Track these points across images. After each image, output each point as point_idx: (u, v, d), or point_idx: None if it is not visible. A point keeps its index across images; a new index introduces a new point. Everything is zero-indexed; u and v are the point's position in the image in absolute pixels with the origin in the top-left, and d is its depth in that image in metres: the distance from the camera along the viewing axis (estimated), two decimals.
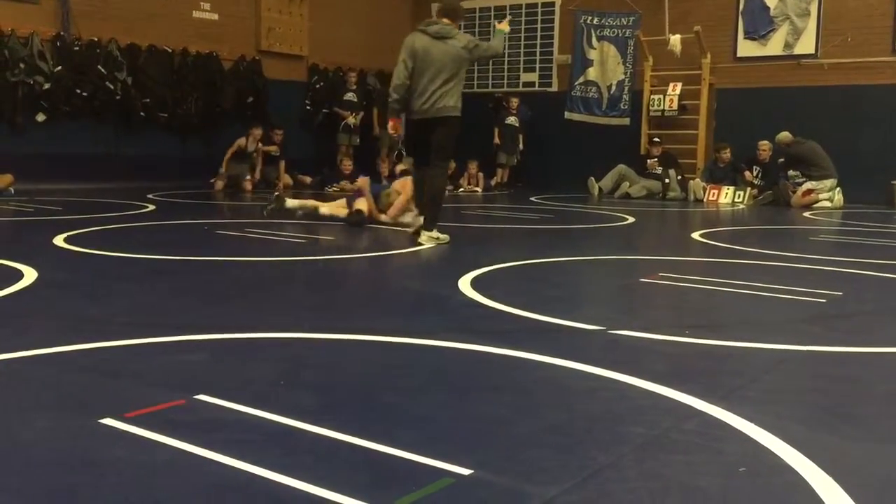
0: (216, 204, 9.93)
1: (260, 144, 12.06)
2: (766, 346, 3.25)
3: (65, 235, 6.03)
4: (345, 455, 2.04)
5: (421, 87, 6.05)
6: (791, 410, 2.51)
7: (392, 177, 12.88)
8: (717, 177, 11.94)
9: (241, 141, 11.85)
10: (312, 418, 2.26)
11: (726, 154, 11.92)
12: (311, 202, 7.78)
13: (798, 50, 12.11)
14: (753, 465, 2.04)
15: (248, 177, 11.89)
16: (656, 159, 12.32)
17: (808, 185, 11.06)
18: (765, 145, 11.85)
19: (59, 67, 10.88)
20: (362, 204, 7.41)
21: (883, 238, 7.64)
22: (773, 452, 2.11)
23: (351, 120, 13.28)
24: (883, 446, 2.22)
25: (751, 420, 2.34)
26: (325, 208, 7.61)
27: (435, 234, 6.13)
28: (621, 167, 12.47)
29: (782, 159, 11.38)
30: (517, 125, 13.53)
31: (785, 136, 11.35)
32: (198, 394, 2.45)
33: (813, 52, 12.00)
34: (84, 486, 1.86)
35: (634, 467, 2.02)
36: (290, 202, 7.60)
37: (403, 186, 7.36)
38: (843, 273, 5.31)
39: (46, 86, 10.77)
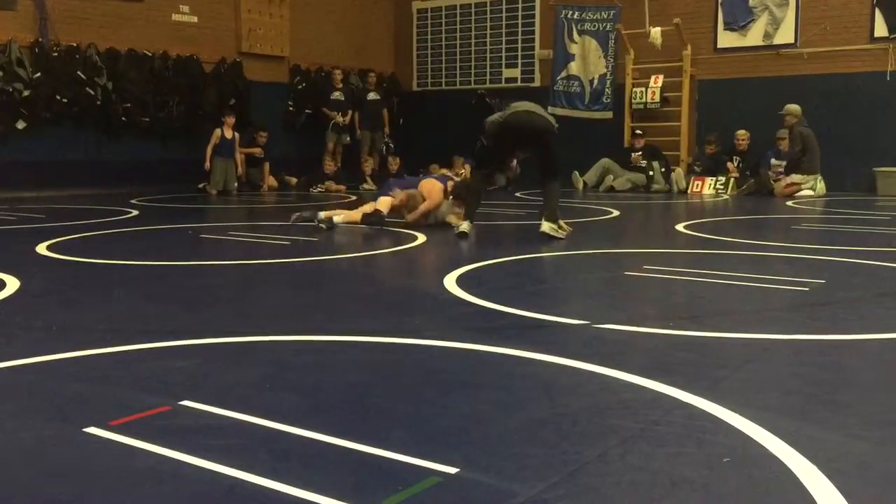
0: (200, 208, 9.89)
1: (236, 134, 12.00)
2: (750, 336, 3.27)
3: (48, 243, 6.00)
4: (331, 457, 2.04)
5: None
6: (775, 400, 2.53)
7: (378, 176, 12.90)
8: (708, 167, 12.00)
9: (218, 131, 11.81)
10: (298, 421, 2.26)
11: (710, 148, 12.05)
12: (341, 213, 7.43)
13: (777, 40, 12.18)
14: (738, 455, 2.06)
15: (236, 183, 11.90)
16: (640, 153, 12.35)
17: (795, 178, 11.10)
18: (742, 135, 11.91)
19: (39, 74, 10.80)
20: (383, 204, 7.31)
21: (865, 225, 7.69)
22: (757, 442, 2.13)
23: (340, 119, 13.25)
24: (866, 434, 2.23)
25: (735, 410, 2.35)
26: (356, 214, 7.35)
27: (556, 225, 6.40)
28: (605, 161, 12.50)
29: (799, 154, 11.13)
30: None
31: (796, 108, 11.20)
32: (182, 399, 2.44)
33: (792, 41, 12.06)
34: (68, 496, 1.85)
35: (620, 460, 2.03)
36: (322, 214, 7.17)
37: (430, 192, 7.22)
38: (826, 261, 5.34)
39: (26, 93, 10.70)
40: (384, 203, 7.30)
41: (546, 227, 6.27)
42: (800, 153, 11.09)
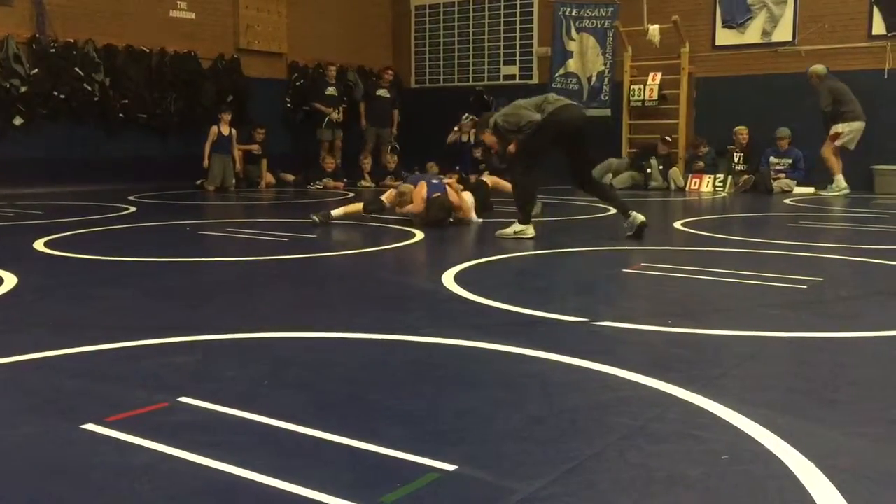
0: (198, 204, 9.88)
1: (233, 131, 11.98)
2: (748, 334, 3.28)
3: (45, 239, 5.99)
4: (330, 454, 2.04)
5: None
6: (772, 397, 2.53)
7: (378, 173, 12.89)
8: (714, 162, 12.05)
9: (215, 128, 11.80)
10: (297, 418, 2.26)
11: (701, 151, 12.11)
12: (353, 206, 7.46)
13: (776, 37, 12.17)
14: (736, 452, 2.06)
15: (234, 180, 11.89)
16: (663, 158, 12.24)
17: (839, 127, 10.94)
18: (742, 130, 11.92)
19: (36, 70, 10.77)
20: (385, 195, 7.42)
21: (863, 223, 7.70)
22: (754, 439, 2.13)
23: (334, 115, 13.23)
24: (863, 431, 2.24)
25: (733, 408, 2.35)
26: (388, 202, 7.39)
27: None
28: (612, 161, 12.54)
29: (828, 108, 10.90)
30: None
31: (821, 67, 11.06)
32: (180, 396, 2.44)
33: (790, 39, 12.06)
34: (66, 492, 1.85)
35: (618, 458, 2.03)
36: (336, 212, 7.22)
37: (415, 196, 7.14)
38: (824, 259, 5.35)
39: (23, 89, 10.67)
40: (388, 195, 7.39)
41: (640, 217, 6.14)
42: (830, 105, 10.86)
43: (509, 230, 6.28)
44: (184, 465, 1.96)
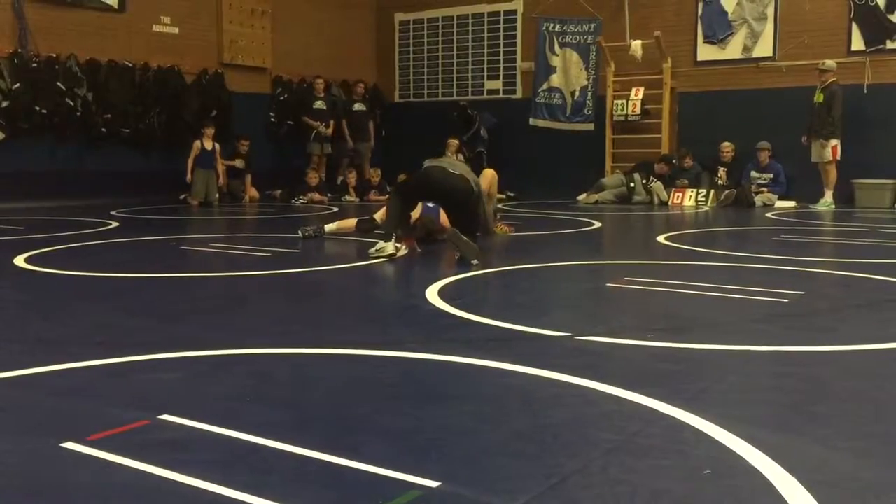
0: (181, 219, 9.84)
1: (216, 145, 11.97)
2: (730, 348, 3.29)
3: (26, 255, 5.94)
4: (312, 471, 2.03)
5: None
6: (755, 411, 2.54)
7: (361, 188, 12.90)
8: (695, 175, 12.10)
9: (198, 143, 11.78)
10: (278, 435, 2.24)
11: (687, 161, 12.16)
12: (346, 222, 7.53)
13: (756, 53, 12.30)
14: (718, 467, 2.06)
15: (217, 194, 11.87)
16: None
17: (835, 142, 10.95)
18: (727, 146, 12.02)
19: (18, 84, 10.73)
20: (378, 213, 7.43)
21: (843, 237, 7.77)
22: (737, 454, 2.14)
23: (322, 129, 13.23)
24: (845, 445, 2.25)
25: (715, 422, 2.36)
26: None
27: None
28: (603, 181, 12.59)
29: (837, 116, 10.95)
30: (485, 136, 13.69)
31: (835, 64, 11.13)
32: (162, 414, 2.42)
33: (771, 54, 12.19)
34: None
35: (601, 473, 2.03)
36: (329, 226, 7.31)
37: (413, 214, 7.13)
38: (805, 272, 5.38)
39: (5, 103, 10.63)
40: (381, 212, 7.44)
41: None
42: (839, 114, 10.91)
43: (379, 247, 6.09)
44: (165, 483, 1.94)
